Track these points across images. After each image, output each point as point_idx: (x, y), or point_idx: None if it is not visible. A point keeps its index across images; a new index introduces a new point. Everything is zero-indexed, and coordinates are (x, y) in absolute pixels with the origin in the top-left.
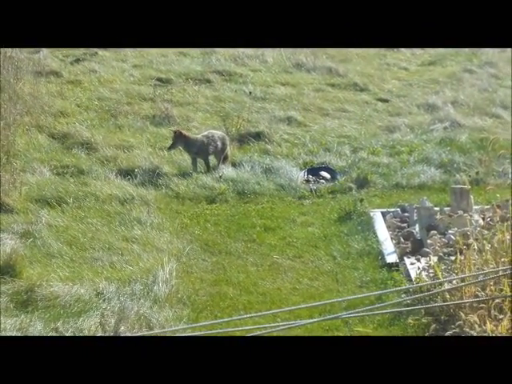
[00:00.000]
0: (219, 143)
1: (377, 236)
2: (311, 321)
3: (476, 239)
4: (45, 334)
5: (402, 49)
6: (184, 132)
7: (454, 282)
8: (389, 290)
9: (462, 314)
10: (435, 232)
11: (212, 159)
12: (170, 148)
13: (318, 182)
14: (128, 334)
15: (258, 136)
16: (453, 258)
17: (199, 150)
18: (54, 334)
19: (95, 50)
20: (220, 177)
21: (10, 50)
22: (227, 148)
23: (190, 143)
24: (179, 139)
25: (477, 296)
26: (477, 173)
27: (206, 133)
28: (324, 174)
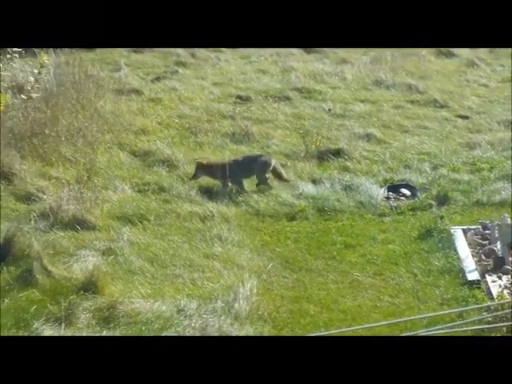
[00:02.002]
0: (255, 165)
1: (458, 253)
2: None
3: None
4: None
5: (482, 65)
6: (204, 161)
7: None
8: (470, 307)
9: None
10: None
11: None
12: (191, 178)
13: (399, 199)
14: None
15: (337, 153)
16: None
17: (223, 174)
18: None
19: (176, 68)
20: (300, 194)
21: (90, 68)
22: (268, 168)
23: (212, 170)
24: (199, 169)
25: None
26: None
27: (239, 157)
28: (404, 191)
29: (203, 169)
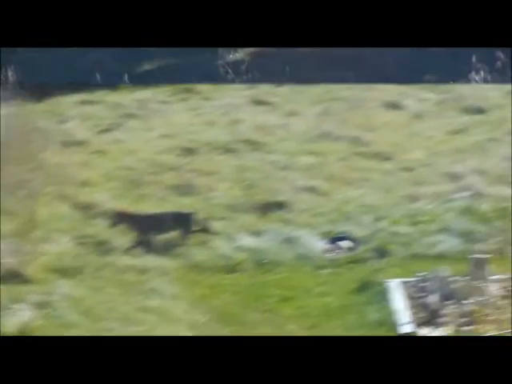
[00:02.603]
0: (174, 222)
1: (394, 306)
2: None
3: (495, 309)
4: None
5: (429, 117)
6: (127, 211)
7: None
8: None
9: None
10: (452, 301)
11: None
12: (110, 226)
13: (338, 252)
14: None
15: (280, 205)
16: (470, 327)
17: (142, 228)
18: None
19: (124, 119)
20: (239, 247)
21: (39, 120)
22: (189, 225)
23: (129, 220)
24: (117, 217)
25: None
26: (498, 242)
27: (159, 212)
28: (344, 243)
29: (121, 217)
